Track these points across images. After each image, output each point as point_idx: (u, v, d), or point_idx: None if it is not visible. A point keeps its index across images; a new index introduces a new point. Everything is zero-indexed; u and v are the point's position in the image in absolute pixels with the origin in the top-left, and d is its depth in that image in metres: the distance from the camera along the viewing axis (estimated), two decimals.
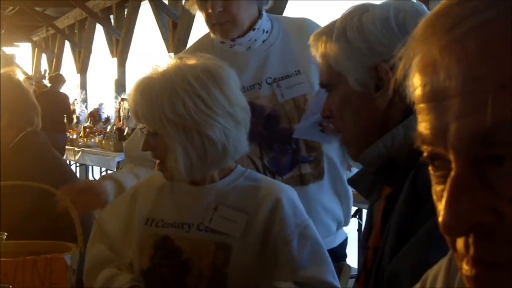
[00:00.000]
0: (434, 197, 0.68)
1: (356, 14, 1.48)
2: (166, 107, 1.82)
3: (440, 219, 0.64)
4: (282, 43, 2.40)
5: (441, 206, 0.65)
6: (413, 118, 1.31)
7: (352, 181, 1.63)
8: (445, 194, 0.64)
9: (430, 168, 0.69)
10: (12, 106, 2.65)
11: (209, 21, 2.33)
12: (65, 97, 12.10)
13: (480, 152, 0.62)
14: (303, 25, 2.41)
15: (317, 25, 2.36)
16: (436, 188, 0.68)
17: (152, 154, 1.93)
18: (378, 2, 1.52)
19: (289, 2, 7.45)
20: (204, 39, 2.51)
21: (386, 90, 1.41)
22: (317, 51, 1.53)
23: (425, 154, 0.68)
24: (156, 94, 1.83)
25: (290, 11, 7.56)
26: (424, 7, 1.51)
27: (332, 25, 1.52)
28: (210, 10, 2.28)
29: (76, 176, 2.95)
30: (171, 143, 1.85)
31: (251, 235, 1.89)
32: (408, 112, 1.40)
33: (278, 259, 1.89)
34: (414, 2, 1.51)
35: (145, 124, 1.91)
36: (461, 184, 0.63)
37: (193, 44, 2.56)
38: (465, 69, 0.61)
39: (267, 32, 2.38)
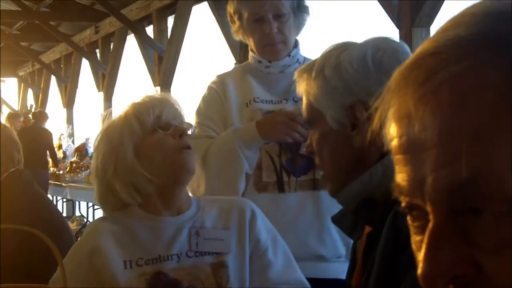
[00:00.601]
0: (413, 247, 0.68)
1: (335, 53, 1.50)
2: None
3: (419, 271, 0.64)
4: None
5: (420, 258, 0.64)
6: (391, 156, 1.30)
7: (335, 220, 1.61)
8: (423, 246, 0.64)
9: (408, 218, 0.68)
10: None
11: (261, 42, 2.57)
12: (48, 133, 12.08)
13: (457, 204, 0.62)
14: None
15: None
16: (415, 238, 0.68)
17: None
18: (360, 41, 1.53)
19: None
20: (232, 70, 2.79)
21: (362, 129, 1.42)
22: (300, 87, 1.55)
23: (403, 204, 0.68)
24: None
25: None
26: (406, 46, 1.52)
27: (313, 63, 1.54)
28: (267, 31, 2.53)
29: (62, 215, 2.92)
30: None
31: (240, 248, 1.99)
32: (385, 150, 1.40)
33: (256, 265, 1.99)
34: (394, 41, 1.52)
35: None
36: (439, 236, 0.63)
37: (221, 74, 2.73)
38: (439, 121, 0.61)
39: (299, 62, 2.61)
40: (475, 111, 0.60)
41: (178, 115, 2.04)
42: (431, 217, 0.64)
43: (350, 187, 1.45)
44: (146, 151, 1.96)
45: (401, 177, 0.66)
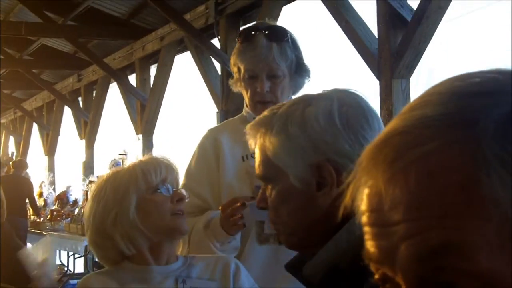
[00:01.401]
0: None
1: (298, 108, 1.43)
2: None
3: None
4: None
5: None
6: (355, 221, 1.27)
7: (289, 267, 1.51)
8: None
9: None
10: None
11: (253, 98, 2.59)
12: (27, 182, 12.00)
13: (429, 275, 0.62)
14: None
15: None
16: None
17: None
18: (321, 92, 1.48)
19: (284, 7, 7.48)
20: (226, 123, 2.86)
21: (329, 190, 1.36)
22: (254, 141, 1.47)
23: (376, 276, 0.68)
24: None
25: (286, 15, 7.58)
26: (366, 100, 1.47)
27: (272, 117, 1.46)
28: (258, 89, 2.55)
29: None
30: None
31: None
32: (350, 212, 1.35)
33: None
34: (356, 94, 1.47)
35: None
36: None
37: (213, 128, 2.81)
38: (408, 199, 0.62)
39: None
40: (443, 189, 0.61)
41: (177, 181, 2.17)
42: None
43: (314, 260, 1.36)
44: (146, 208, 2.06)
45: (371, 244, 0.67)
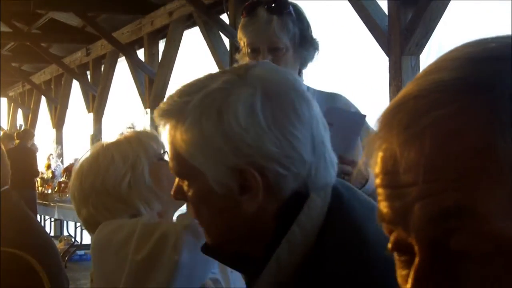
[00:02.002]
0: (399, 280, 0.69)
1: (215, 100, 1.22)
2: None
3: None
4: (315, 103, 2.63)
5: None
6: (296, 229, 1.20)
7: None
8: (409, 281, 0.64)
9: (395, 253, 0.69)
10: None
11: None
12: (31, 153, 12.02)
13: (442, 238, 0.62)
14: (334, 96, 2.68)
15: (346, 100, 2.64)
16: (401, 272, 0.68)
17: None
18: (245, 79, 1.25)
19: None
20: None
21: (255, 195, 1.21)
22: (163, 131, 1.29)
23: (389, 245, 0.69)
24: None
25: None
26: (294, 81, 1.27)
27: (184, 106, 1.24)
28: None
29: (50, 237, 2.91)
30: None
31: None
32: (281, 214, 1.23)
33: None
34: (283, 76, 1.27)
35: None
36: (425, 273, 0.63)
37: None
38: (424, 163, 0.62)
39: None
40: (458, 153, 0.61)
41: None
42: (416, 251, 0.64)
43: (260, 281, 1.23)
44: (157, 173, 2.05)
45: (384, 204, 0.67)
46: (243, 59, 2.64)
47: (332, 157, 1.28)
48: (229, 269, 2.05)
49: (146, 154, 2.06)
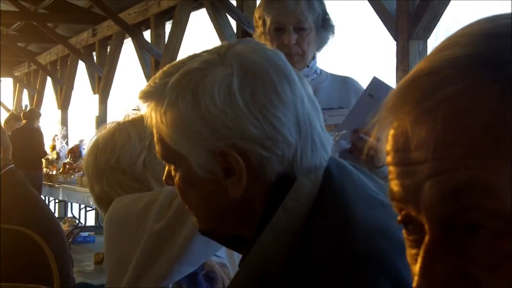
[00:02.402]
0: (409, 259, 0.68)
1: (191, 80, 1.19)
2: None
3: (414, 284, 0.64)
4: (328, 85, 2.71)
5: (415, 271, 0.65)
6: (281, 214, 1.16)
7: None
8: (419, 260, 0.64)
9: (404, 231, 0.69)
10: None
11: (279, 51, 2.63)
12: (38, 133, 12.03)
13: (453, 216, 0.62)
14: (347, 79, 2.76)
15: (358, 84, 2.72)
16: (410, 251, 0.68)
17: None
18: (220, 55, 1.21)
19: None
20: None
21: (238, 179, 1.18)
22: (146, 113, 1.26)
23: (398, 218, 0.68)
24: None
25: None
26: (275, 57, 1.22)
27: (163, 87, 1.21)
28: (285, 41, 2.56)
29: (54, 216, 2.93)
30: None
31: None
32: (270, 196, 1.19)
33: None
34: (263, 52, 1.22)
35: None
36: (435, 251, 0.63)
37: None
38: (436, 139, 0.62)
39: (317, 73, 2.68)
40: (470, 130, 0.61)
41: None
42: (427, 229, 0.64)
43: (241, 272, 1.21)
44: None
45: (395, 183, 0.67)
46: (260, 38, 2.64)
47: (324, 138, 1.23)
48: (235, 254, 2.06)
49: None
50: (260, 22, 2.63)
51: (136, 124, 2.07)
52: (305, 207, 1.17)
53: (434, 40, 5.76)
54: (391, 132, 0.67)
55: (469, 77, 0.62)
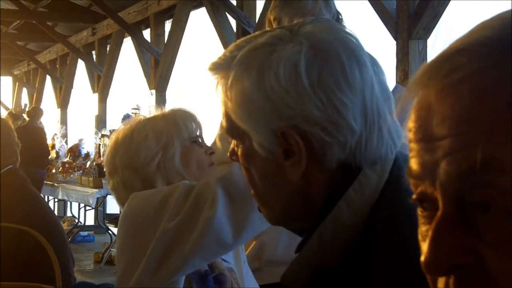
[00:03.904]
0: (420, 237, 0.70)
1: (259, 54, 1.16)
2: None
3: (422, 258, 0.66)
4: None
5: (424, 246, 0.66)
6: (343, 206, 1.13)
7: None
8: (429, 234, 0.66)
9: (418, 209, 0.70)
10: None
11: None
12: (42, 132, 12.04)
13: (467, 192, 0.63)
14: None
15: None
16: (422, 228, 0.69)
17: None
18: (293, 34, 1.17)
19: None
20: None
21: (298, 161, 1.13)
22: (215, 86, 1.22)
23: (414, 196, 0.69)
24: None
25: None
26: (350, 40, 1.16)
27: (231, 60, 1.19)
28: None
29: (55, 215, 2.93)
30: None
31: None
32: (332, 186, 1.15)
33: None
34: (338, 32, 1.17)
35: None
36: (446, 225, 0.65)
37: None
38: (458, 113, 0.63)
39: None
40: (493, 106, 0.62)
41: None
42: (440, 205, 0.65)
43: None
44: (188, 157, 2.05)
45: (414, 161, 0.68)
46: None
47: (393, 129, 1.16)
48: (242, 260, 2.07)
49: (180, 136, 2.06)
50: (275, 24, 2.61)
51: (156, 124, 2.07)
52: (368, 201, 1.12)
53: (434, 40, 5.76)
54: (416, 105, 0.68)
55: (495, 55, 0.63)
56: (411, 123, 0.68)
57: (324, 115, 1.11)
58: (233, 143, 1.25)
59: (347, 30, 1.20)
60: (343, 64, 1.12)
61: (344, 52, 1.13)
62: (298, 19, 2.49)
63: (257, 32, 1.23)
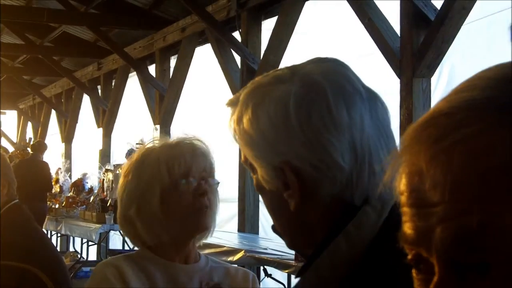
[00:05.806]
0: None
1: (256, 94, 1.21)
2: None
3: None
4: None
5: None
6: (342, 241, 1.15)
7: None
8: None
9: (413, 271, 0.69)
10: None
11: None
12: (46, 166, 12.04)
13: (463, 258, 0.63)
14: None
15: None
16: None
17: None
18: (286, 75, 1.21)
19: (306, 2, 7.49)
20: None
21: (293, 194, 1.18)
22: (229, 123, 1.29)
23: (409, 256, 0.69)
24: None
25: (307, 10, 7.56)
26: (345, 74, 1.19)
27: (238, 97, 1.26)
28: None
29: (58, 252, 2.92)
30: None
31: None
32: (330, 219, 1.18)
33: None
34: (331, 70, 1.21)
35: None
36: None
37: None
38: (450, 180, 0.63)
39: None
40: (485, 172, 0.61)
41: (207, 167, 2.06)
42: (436, 269, 0.65)
43: (301, 282, 1.19)
44: (170, 201, 2.00)
45: (408, 225, 0.67)
46: None
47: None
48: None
49: (160, 180, 2.01)
50: None
51: (139, 167, 2.04)
52: (367, 238, 1.14)
53: (438, 78, 5.78)
54: (406, 170, 0.67)
55: (485, 119, 0.63)
56: (402, 187, 0.68)
57: (312, 153, 1.15)
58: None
59: (345, 69, 1.22)
60: (329, 104, 1.15)
61: (331, 92, 1.16)
62: None
63: (271, 71, 1.27)
